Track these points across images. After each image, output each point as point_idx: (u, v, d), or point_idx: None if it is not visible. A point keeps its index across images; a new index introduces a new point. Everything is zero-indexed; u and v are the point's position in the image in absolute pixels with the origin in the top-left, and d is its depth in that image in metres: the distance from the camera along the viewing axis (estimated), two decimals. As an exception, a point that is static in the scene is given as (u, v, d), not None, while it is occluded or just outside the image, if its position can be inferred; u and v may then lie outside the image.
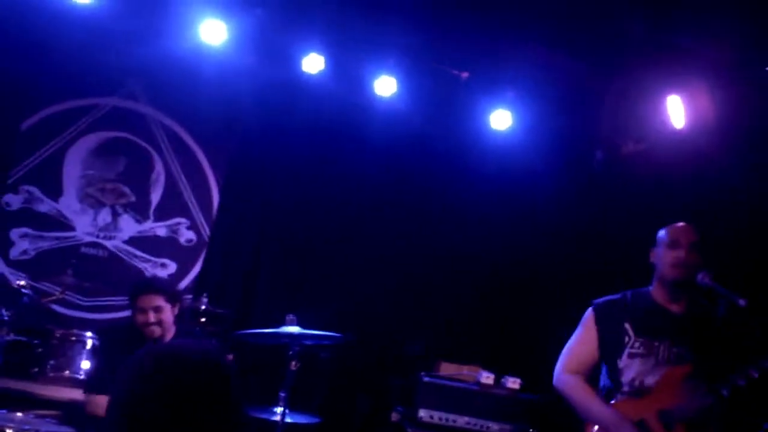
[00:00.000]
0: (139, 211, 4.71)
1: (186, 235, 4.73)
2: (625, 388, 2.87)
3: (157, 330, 3.24)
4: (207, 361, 1.20)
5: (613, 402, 2.85)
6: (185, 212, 4.76)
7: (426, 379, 4.19)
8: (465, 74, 4.89)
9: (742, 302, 2.77)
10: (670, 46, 4.13)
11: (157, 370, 1.17)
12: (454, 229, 4.90)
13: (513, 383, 4.26)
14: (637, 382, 2.85)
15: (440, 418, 4.14)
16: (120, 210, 4.68)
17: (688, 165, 4.42)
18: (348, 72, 4.63)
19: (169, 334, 3.31)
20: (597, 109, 4.58)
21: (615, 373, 2.90)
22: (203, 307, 4.21)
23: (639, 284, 3.14)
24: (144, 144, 4.74)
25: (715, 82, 4.27)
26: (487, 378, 4.25)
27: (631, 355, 2.88)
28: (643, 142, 4.51)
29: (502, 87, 4.82)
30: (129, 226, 4.67)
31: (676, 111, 4.33)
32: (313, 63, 4.50)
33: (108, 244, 4.65)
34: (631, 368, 2.87)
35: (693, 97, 4.23)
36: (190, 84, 4.63)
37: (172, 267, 4.69)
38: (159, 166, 4.75)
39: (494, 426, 4.16)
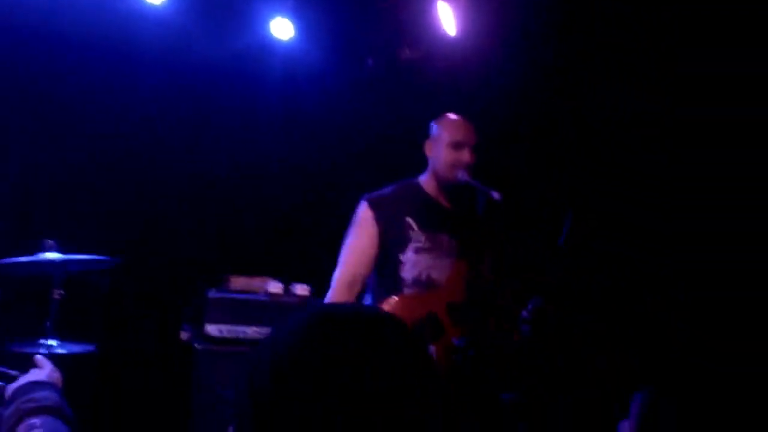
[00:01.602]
0: None
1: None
2: (408, 283, 2.88)
3: None
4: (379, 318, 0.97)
5: (398, 298, 2.83)
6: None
7: (212, 294, 4.17)
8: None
9: (496, 195, 2.88)
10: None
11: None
12: (234, 142, 4.81)
13: (302, 290, 4.35)
14: (423, 276, 2.88)
15: (229, 331, 4.16)
16: None
17: (463, 71, 4.61)
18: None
19: None
20: (374, 16, 4.61)
21: (395, 268, 2.88)
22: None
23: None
24: None
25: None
26: (275, 287, 4.31)
27: (417, 250, 2.90)
28: (418, 50, 4.62)
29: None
30: None
31: (447, 18, 4.45)
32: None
33: None
34: (415, 263, 2.89)
35: (459, 3, 4.36)
36: None
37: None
38: None
39: (285, 334, 4.24)
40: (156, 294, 4.42)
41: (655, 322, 3.93)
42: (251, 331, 4.19)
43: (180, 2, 4.50)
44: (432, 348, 2.77)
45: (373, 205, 2.97)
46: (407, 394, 0.90)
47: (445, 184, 3.05)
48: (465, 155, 2.98)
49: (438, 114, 3.22)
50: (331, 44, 4.86)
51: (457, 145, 2.99)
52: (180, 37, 4.57)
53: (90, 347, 3.44)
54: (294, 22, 4.73)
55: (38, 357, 1.59)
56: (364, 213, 2.98)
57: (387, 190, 3.08)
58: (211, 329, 4.11)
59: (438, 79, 4.70)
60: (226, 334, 4.15)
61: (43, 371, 1.54)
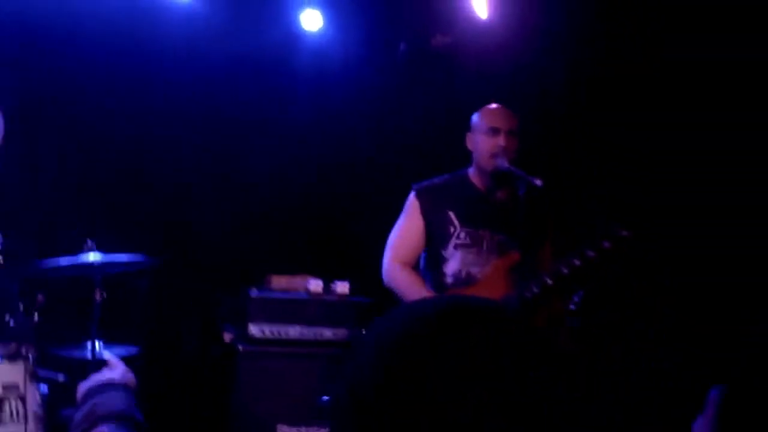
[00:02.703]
0: None
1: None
2: (449, 279, 2.88)
3: None
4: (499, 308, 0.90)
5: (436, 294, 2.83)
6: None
7: (254, 294, 4.09)
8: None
9: (538, 182, 2.84)
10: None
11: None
12: (269, 140, 4.72)
13: (342, 287, 4.25)
14: (463, 273, 2.87)
15: (272, 332, 4.07)
16: None
17: (495, 57, 4.50)
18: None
19: None
20: (403, 3, 4.52)
21: (438, 263, 2.89)
22: (-3, 246, 3.80)
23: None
24: None
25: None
26: (315, 285, 4.21)
27: (456, 246, 2.88)
28: (449, 35, 4.51)
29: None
30: None
31: (479, 2, 4.35)
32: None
33: None
34: (456, 258, 2.87)
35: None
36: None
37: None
38: None
39: (327, 332, 4.15)
40: (197, 295, 4.35)
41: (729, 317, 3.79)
42: (293, 331, 4.10)
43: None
44: None
45: (420, 196, 2.98)
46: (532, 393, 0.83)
47: (487, 175, 2.97)
48: (500, 140, 2.94)
49: (473, 103, 3.16)
50: (360, 34, 4.77)
51: (493, 131, 2.98)
52: (209, 32, 4.50)
53: (134, 349, 3.36)
54: (323, 13, 4.65)
55: (110, 357, 1.50)
56: (411, 203, 3.00)
57: (437, 180, 3.09)
58: (254, 330, 4.03)
59: (471, 66, 4.59)
60: (269, 335, 4.06)
61: (116, 371, 1.45)
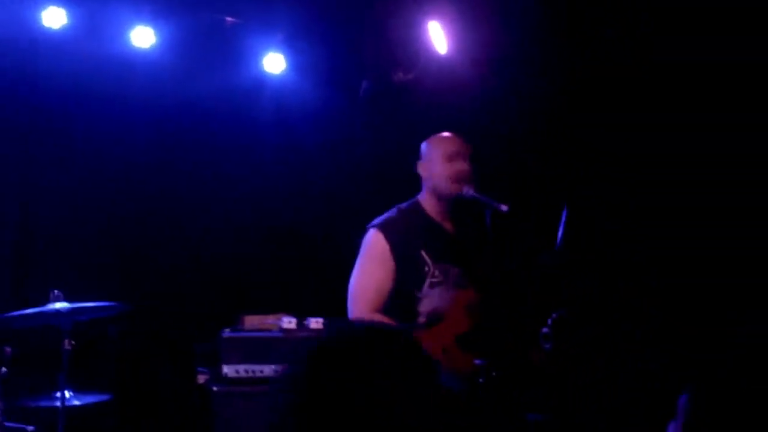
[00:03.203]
0: None
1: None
2: (422, 318, 2.86)
3: None
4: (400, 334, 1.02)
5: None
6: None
7: (226, 334, 4.08)
8: (230, 19, 4.73)
9: (504, 208, 2.89)
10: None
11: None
12: (234, 180, 4.77)
13: (316, 323, 4.25)
14: (433, 312, 2.86)
15: (246, 371, 4.06)
16: None
17: (455, 92, 4.60)
18: (97, 24, 4.29)
19: None
20: (364, 40, 4.62)
21: (411, 303, 2.86)
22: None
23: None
24: None
25: (469, 7, 4.44)
26: (289, 323, 4.21)
27: (432, 284, 2.87)
28: (411, 71, 4.62)
29: (271, 29, 4.72)
30: None
31: (438, 37, 4.46)
32: (54, 17, 4.11)
33: None
34: (431, 297, 2.86)
35: (451, 22, 4.38)
36: None
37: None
38: None
39: (302, 369, 4.14)
40: (169, 338, 4.33)
41: (681, 319, 3.86)
42: (268, 370, 4.09)
43: (169, 43, 4.50)
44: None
45: (387, 236, 2.88)
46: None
47: (447, 201, 3.00)
48: (463, 165, 2.96)
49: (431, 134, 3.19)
50: (322, 74, 4.86)
51: (451, 157, 2.97)
52: (173, 77, 4.56)
53: (106, 396, 3.34)
54: (286, 56, 4.73)
55: None
56: (379, 244, 2.89)
57: (393, 215, 3.01)
58: (228, 370, 4.02)
59: (431, 100, 4.69)
60: (243, 374, 4.05)
61: None
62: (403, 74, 4.60)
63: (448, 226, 3.00)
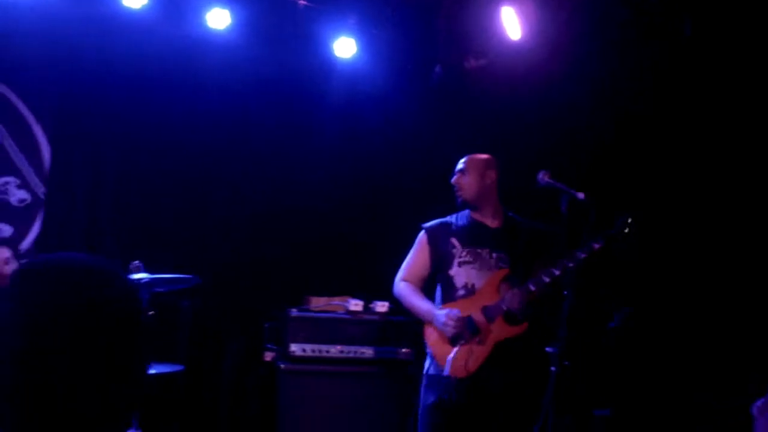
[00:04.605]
0: (-42, 176, 4.25)
1: (17, 195, 4.33)
2: (460, 292, 3.26)
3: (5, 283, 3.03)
4: (102, 267, 1.05)
5: (449, 303, 3.24)
6: (13, 170, 4.33)
7: (294, 313, 4.13)
8: (303, 2, 4.75)
9: (581, 195, 3.02)
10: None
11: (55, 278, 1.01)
12: (303, 163, 4.81)
13: (382, 307, 4.28)
14: (469, 285, 3.24)
15: (313, 350, 4.10)
16: (-64, 177, 4.20)
17: (528, 78, 4.55)
18: (176, 4, 4.36)
19: None
20: (437, 26, 4.59)
21: (448, 282, 3.28)
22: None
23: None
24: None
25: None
26: (355, 305, 4.24)
27: (460, 264, 3.27)
28: (483, 57, 4.58)
29: (344, 13, 4.73)
30: (-51, 194, 4.22)
31: (511, 22, 4.41)
32: (134, -3, 4.19)
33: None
34: (461, 274, 3.27)
35: (524, 8, 4.32)
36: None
37: (7, 231, 4.27)
38: (-27, 125, 4.29)
39: (368, 351, 4.18)
40: (240, 315, 4.39)
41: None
42: (335, 350, 4.13)
43: (243, 27, 4.55)
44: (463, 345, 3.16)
45: (428, 232, 3.44)
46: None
47: (473, 205, 3.39)
48: (457, 179, 3.42)
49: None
50: (393, 60, 4.85)
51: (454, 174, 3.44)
52: (244, 59, 4.61)
53: (179, 367, 3.40)
54: (357, 40, 4.74)
55: None
56: (421, 238, 3.47)
57: (443, 219, 3.48)
58: (296, 348, 4.06)
59: (503, 87, 4.64)
60: (309, 353, 4.09)
61: None
62: (476, 60, 4.57)
63: (490, 222, 3.39)
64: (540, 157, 3.84)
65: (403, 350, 4.20)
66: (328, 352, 4.11)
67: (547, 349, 3.26)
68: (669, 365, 4.16)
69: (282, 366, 4.03)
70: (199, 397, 4.17)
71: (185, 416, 4.02)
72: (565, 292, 3.01)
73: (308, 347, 4.08)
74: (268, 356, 4.11)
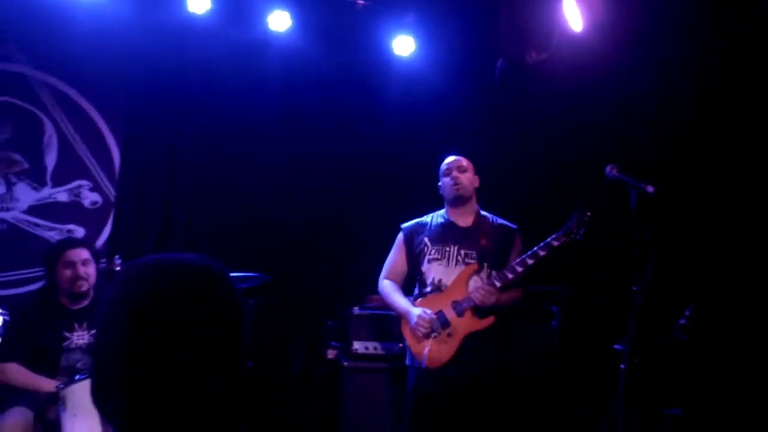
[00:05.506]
0: (35, 178, 4.42)
1: (90, 198, 4.50)
2: (428, 288, 3.42)
3: (84, 284, 3.23)
4: (209, 265, 1.09)
5: (420, 299, 3.40)
6: (85, 173, 4.51)
7: (357, 311, 4.17)
8: (361, 1, 4.78)
9: (650, 189, 2.92)
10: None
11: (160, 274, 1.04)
12: (364, 161, 4.83)
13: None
14: (437, 281, 3.40)
15: (375, 348, 4.13)
16: (14, 179, 4.39)
17: (590, 70, 4.46)
18: (238, 8, 4.45)
19: (91, 294, 3.31)
20: (496, 21, 4.54)
21: (421, 278, 3.46)
22: (118, 269, 4.03)
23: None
24: (29, 107, 4.42)
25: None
26: (414, 303, 4.25)
27: (429, 261, 3.43)
28: (545, 51, 4.50)
29: (402, 11, 4.73)
30: (26, 195, 4.39)
31: (573, 15, 4.32)
32: (199, 2, 4.29)
33: (6, 216, 4.38)
34: (431, 271, 3.42)
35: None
36: (69, 40, 4.35)
37: (80, 232, 4.46)
38: (50, 129, 4.45)
39: (430, 348, 4.16)
40: (303, 313, 4.45)
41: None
42: (396, 348, 4.14)
43: (303, 28, 4.60)
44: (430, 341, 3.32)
45: (404, 232, 3.60)
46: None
47: (457, 205, 3.53)
48: (454, 174, 3.52)
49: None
50: (452, 58, 4.83)
51: (447, 173, 3.57)
52: (304, 60, 4.66)
53: (247, 363, 3.46)
54: (416, 38, 4.74)
55: None
56: (399, 239, 3.63)
57: (420, 219, 3.64)
58: (359, 346, 4.10)
59: (565, 83, 4.56)
60: (372, 351, 4.12)
61: None
62: (537, 54, 4.50)
63: (461, 222, 3.52)
64: (607, 151, 3.77)
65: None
66: (390, 349, 4.13)
67: (615, 346, 3.23)
68: (738, 363, 4.03)
69: (345, 363, 4.07)
70: (264, 393, 4.24)
71: (251, 412, 4.10)
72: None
73: (370, 345, 4.11)
74: (331, 354, 4.15)
